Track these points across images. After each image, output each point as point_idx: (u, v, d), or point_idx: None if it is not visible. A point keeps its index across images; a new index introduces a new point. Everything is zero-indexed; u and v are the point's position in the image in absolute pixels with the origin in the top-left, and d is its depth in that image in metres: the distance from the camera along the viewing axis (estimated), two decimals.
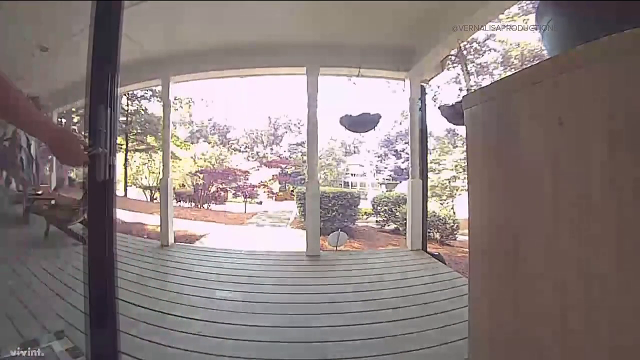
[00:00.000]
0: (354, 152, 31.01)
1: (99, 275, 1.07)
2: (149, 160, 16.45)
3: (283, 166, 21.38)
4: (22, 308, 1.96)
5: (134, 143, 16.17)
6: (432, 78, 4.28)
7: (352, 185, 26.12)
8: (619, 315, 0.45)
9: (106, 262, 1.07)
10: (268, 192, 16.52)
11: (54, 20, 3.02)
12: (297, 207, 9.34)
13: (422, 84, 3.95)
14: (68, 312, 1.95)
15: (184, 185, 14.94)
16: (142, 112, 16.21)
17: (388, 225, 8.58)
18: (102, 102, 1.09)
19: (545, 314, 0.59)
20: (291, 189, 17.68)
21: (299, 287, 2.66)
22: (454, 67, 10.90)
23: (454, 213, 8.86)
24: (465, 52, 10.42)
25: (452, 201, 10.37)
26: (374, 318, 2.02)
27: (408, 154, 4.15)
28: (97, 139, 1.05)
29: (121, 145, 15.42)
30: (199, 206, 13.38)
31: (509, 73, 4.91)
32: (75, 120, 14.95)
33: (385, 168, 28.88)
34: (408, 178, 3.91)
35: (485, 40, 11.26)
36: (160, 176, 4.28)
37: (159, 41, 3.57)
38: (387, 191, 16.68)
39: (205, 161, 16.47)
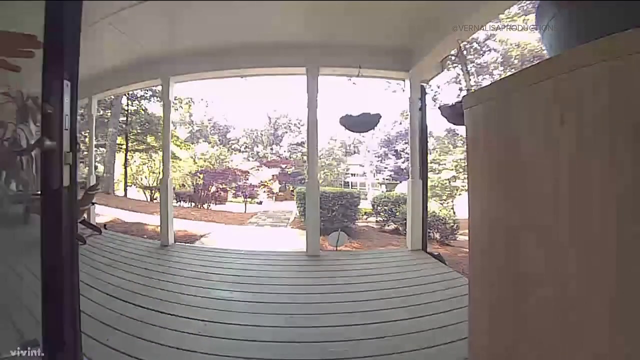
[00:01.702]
0: (354, 152, 30.97)
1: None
2: (149, 160, 16.47)
3: (283, 166, 21.35)
4: (22, 308, 1.96)
5: (134, 143, 16.20)
6: (432, 78, 4.27)
7: (352, 185, 26.10)
8: (619, 315, 0.45)
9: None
10: (268, 192, 16.52)
11: None
12: (297, 207, 9.33)
13: (422, 84, 3.95)
14: None
15: (184, 185, 14.94)
16: (142, 112, 16.24)
17: (388, 225, 8.57)
18: (58, 75, 0.82)
19: (545, 314, 0.59)
20: (291, 189, 17.68)
21: (299, 287, 2.66)
22: (454, 67, 10.89)
23: (454, 213, 8.86)
24: (465, 52, 10.39)
25: (452, 201, 10.38)
26: (373, 318, 2.02)
27: (408, 154, 4.15)
28: (50, 124, 0.77)
29: (121, 145, 15.44)
30: (199, 206, 13.36)
31: (509, 73, 4.90)
32: None
33: (385, 168, 28.83)
34: (408, 178, 3.91)
35: (485, 40, 11.28)
36: (160, 176, 4.28)
37: (159, 41, 3.57)
38: (387, 191, 16.67)
39: (205, 161, 16.49)
